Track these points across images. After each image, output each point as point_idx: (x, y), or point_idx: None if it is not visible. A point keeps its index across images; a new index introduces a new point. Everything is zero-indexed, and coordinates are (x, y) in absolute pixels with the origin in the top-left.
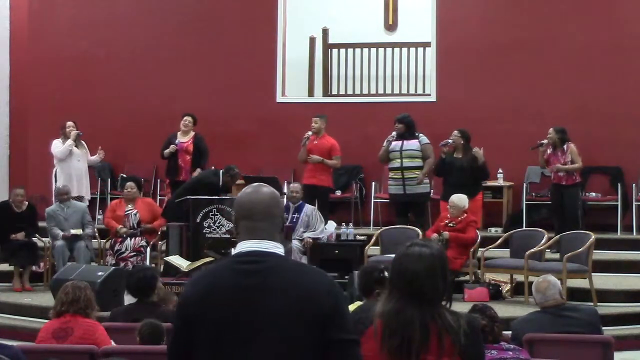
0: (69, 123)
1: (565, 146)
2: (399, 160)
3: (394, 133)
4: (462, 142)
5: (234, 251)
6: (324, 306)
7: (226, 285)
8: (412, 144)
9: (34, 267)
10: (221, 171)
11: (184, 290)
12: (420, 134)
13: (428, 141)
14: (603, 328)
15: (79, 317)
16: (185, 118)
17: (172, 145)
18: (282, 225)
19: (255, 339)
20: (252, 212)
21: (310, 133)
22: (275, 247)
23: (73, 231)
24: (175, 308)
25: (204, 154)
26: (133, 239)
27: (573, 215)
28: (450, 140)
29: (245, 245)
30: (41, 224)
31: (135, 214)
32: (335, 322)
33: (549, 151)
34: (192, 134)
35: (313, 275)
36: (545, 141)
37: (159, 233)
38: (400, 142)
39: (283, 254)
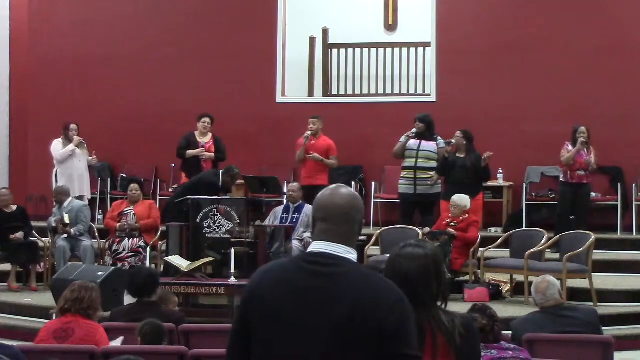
0: (73, 126)
1: (589, 146)
2: (414, 160)
3: (414, 130)
4: (464, 142)
5: (308, 249)
6: (388, 320)
7: (292, 283)
8: (430, 145)
9: (38, 267)
10: (221, 171)
11: (251, 279)
12: (439, 137)
13: (445, 144)
14: (603, 328)
15: (80, 317)
16: (204, 119)
17: (201, 148)
18: (360, 231)
19: (311, 343)
20: (330, 215)
21: (309, 133)
22: (348, 253)
23: (65, 217)
24: (240, 299)
25: (224, 155)
26: (131, 240)
27: (586, 213)
28: (452, 141)
29: (317, 246)
30: (40, 224)
31: (133, 215)
32: (398, 337)
33: (570, 148)
34: (210, 134)
35: (381, 287)
36: (582, 139)
37: (159, 233)
38: (418, 142)
39: (355, 260)
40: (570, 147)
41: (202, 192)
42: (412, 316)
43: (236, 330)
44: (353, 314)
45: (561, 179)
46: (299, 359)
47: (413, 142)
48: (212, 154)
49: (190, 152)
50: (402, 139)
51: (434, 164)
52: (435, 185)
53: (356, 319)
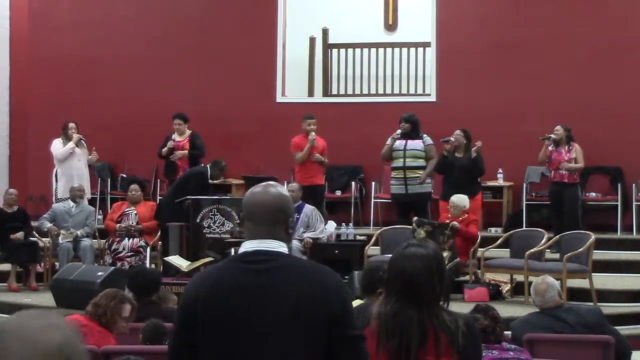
0: (72, 124)
1: (570, 145)
2: (402, 160)
3: (398, 131)
4: (464, 141)
5: (239, 250)
6: (333, 305)
7: (232, 285)
8: (416, 144)
9: (38, 267)
10: (209, 165)
11: (187, 288)
12: (425, 134)
13: (432, 142)
14: None
15: (95, 324)
16: (175, 121)
17: (169, 142)
18: (287, 227)
19: (263, 340)
20: (255, 214)
21: (314, 134)
22: (280, 246)
23: (62, 236)
24: (179, 307)
25: (201, 150)
26: (131, 240)
27: (573, 214)
28: (452, 138)
29: (249, 245)
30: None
31: (134, 214)
32: (344, 320)
33: (550, 148)
34: (187, 132)
35: (320, 274)
36: (553, 136)
37: (159, 233)
38: (404, 142)
39: (287, 252)
40: (550, 148)
41: (191, 185)
42: (351, 299)
43: (178, 340)
44: (301, 304)
45: (549, 179)
46: (254, 358)
47: (399, 143)
48: (185, 152)
49: (163, 150)
50: (388, 141)
51: (422, 162)
52: (425, 184)
53: (305, 308)
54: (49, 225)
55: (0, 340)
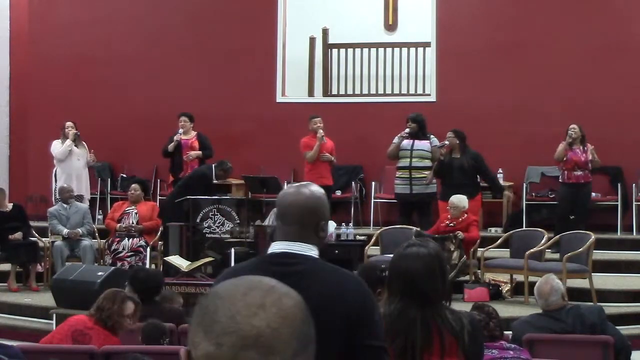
0: (68, 123)
1: (585, 145)
2: (408, 160)
3: (407, 130)
4: (457, 142)
5: (268, 250)
6: (354, 312)
7: None
8: (423, 144)
9: (38, 267)
10: (213, 165)
11: (219, 282)
12: (432, 135)
13: (438, 143)
14: None
15: (101, 327)
16: (181, 118)
17: (176, 135)
18: (317, 229)
19: None
20: (285, 214)
21: (323, 133)
22: (310, 250)
23: (75, 231)
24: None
25: (211, 151)
26: (131, 240)
27: (586, 214)
28: (446, 142)
29: (278, 247)
30: (40, 224)
31: (135, 214)
32: (364, 328)
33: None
34: (193, 132)
35: (345, 281)
36: (572, 133)
37: (159, 233)
38: (411, 142)
39: (317, 256)
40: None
41: (195, 186)
42: (377, 307)
43: None
44: (320, 308)
45: (560, 180)
46: None
47: (406, 143)
48: (199, 152)
49: (170, 145)
50: (396, 140)
51: (428, 162)
52: (430, 185)
53: (324, 312)
54: (67, 231)
55: (211, 303)
